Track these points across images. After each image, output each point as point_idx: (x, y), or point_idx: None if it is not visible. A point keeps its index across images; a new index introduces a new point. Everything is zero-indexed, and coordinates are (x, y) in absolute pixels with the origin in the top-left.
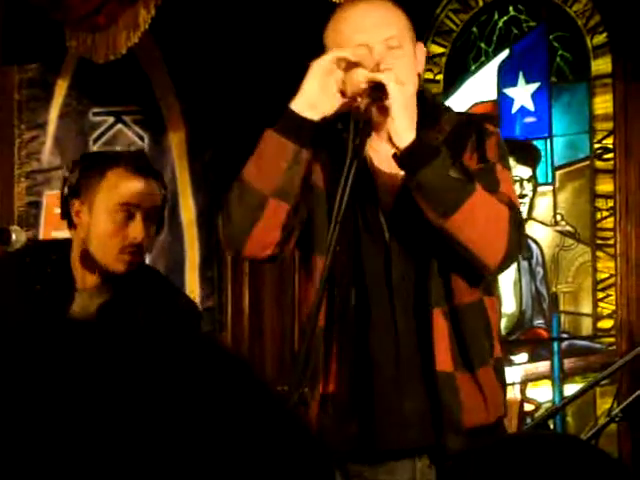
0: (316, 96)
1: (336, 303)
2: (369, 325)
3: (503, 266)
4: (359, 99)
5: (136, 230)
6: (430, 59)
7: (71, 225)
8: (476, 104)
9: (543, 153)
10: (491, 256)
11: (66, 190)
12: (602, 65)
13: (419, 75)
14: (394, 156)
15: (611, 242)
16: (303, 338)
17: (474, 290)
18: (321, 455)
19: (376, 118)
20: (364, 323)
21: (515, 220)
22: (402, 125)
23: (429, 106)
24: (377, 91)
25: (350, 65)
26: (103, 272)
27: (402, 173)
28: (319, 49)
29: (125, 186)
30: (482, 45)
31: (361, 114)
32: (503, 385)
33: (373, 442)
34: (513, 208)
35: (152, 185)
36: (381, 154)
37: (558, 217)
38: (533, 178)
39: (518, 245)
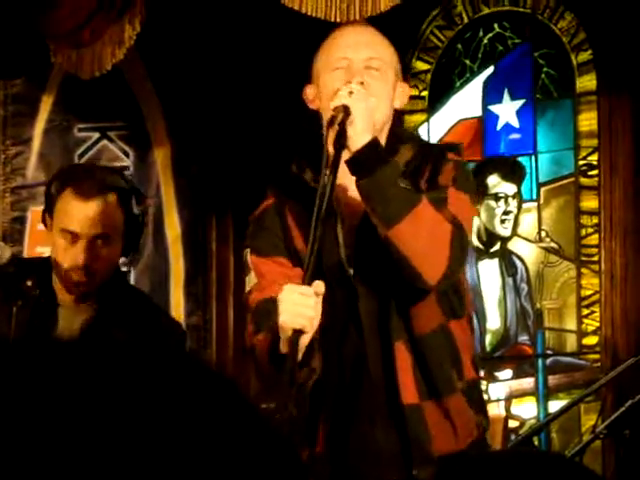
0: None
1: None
2: (343, 364)
3: (442, 283)
4: (333, 112)
5: (77, 256)
6: (415, 75)
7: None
8: (461, 120)
9: (528, 170)
10: (430, 271)
11: (45, 205)
12: (587, 82)
13: (397, 111)
14: (346, 161)
15: (595, 259)
16: (287, 355)
17: (434, 317)
18: (302, 475)
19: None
20: (340, 362)
21: (458, 238)
22: (358, 130)
23: (390, 135)
24: (342, 114)
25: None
26: (68, 290)
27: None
28: (305, 67)
29: (67, 211)
30: (467, 62)
31: (329, 149)
32: (478, 405)
33: (348, 478)
34: (457, 227)
35: (101, 208)
36: (346, 190)
37: (543, 233)
38: (518, 195)
39: (459, 263)
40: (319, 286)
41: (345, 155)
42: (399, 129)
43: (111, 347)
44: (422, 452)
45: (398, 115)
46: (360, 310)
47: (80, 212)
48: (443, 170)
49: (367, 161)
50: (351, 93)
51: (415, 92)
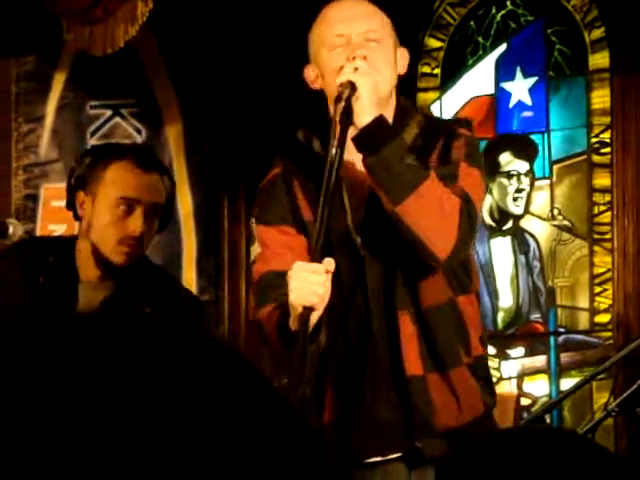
0: None
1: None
2: (348, 334)
3: (452, 257)
4: (339, 89)
5: (135, 224)
6: (428, 53)
7: (76, 217)
8: (473, 98)
9: (540, 147)
10: (440, 246)
11: (72, 181)
12: (600, 59)
13: (400, 78)
14: (353, 139)
15: (608, 236)
16: (297, 333)
17: (442, 291)
18: (319, 451)
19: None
20: (345, 332)
21: (467, 213)
22: (364, 106)
23: (398, 107)
24: (349, 89)
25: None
26: (105, 264)
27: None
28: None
29: (126, 180)
30: (480, 39)
31: (337, 119)
32: (485, 382)
33: (351, 452)
34: (467, 201)
35: (154, 180)
36: (353, 165)
37: (555, 211)
38: (530, 172)
39: (468, 238)
40: (329, 264)
41: (352, 131)
42: (407, 102)
43: (132, 321)
44: (425, 424)
45: (410, 91)
46: (367, 279)
47: (141, 180)
48: (455, 145)
49: (373, 138)
50: (356, 69)
51: (427, 70)
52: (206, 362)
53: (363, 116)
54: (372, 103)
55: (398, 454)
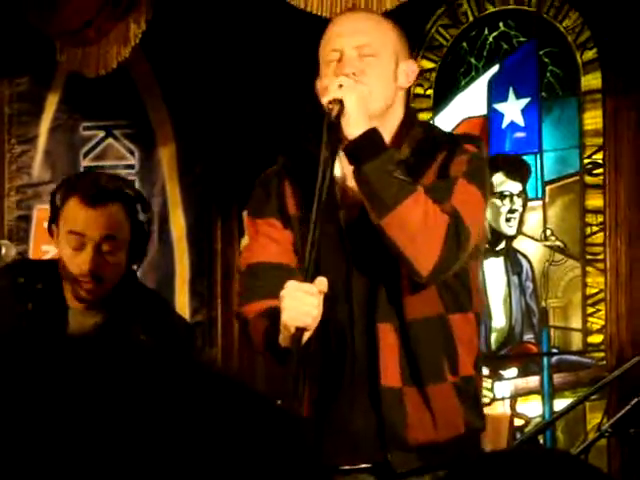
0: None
1: None
2: (330, 341)
3: (435, 275)
4: (329, 106)
5: (83, 260)
6: (421, 74)
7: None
8: (466, 119)
9: (533, 168)
10: (423, 263)
11: (50, 214)
12: (592, 80)
13: (405, 90)
14: (344, 149)
15: (601, 257)
16: (291, 351)
17: (432, 305)
18: (319, 465)
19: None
20: (327, 339)
21: (455, 231)
22: (352, 120)
23: (406, 116)
24: (338, 106)
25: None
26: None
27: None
28: (308, 66)
29: (74, 215)
30: (472, 60)
31: (331, 121)
32: (473, 404)
33: (325, 458)
34: (456, 219)
35: (106, 214)
36: (346, 172)
37: (548, 232)
38: (523, 193)
39: (454, 256)
40: (322, 284)
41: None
42: (411, 114)
43: (122, 345)
44: (397, 437)
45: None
46: (352, 289)
47: (86, 217)
48: (456, 160)
49: (361, 150)
50: (341, 86)
51: (420, 91)
52: (197, 389)
53: (352, 129)
54: (360, 116)
55: (369, 464)
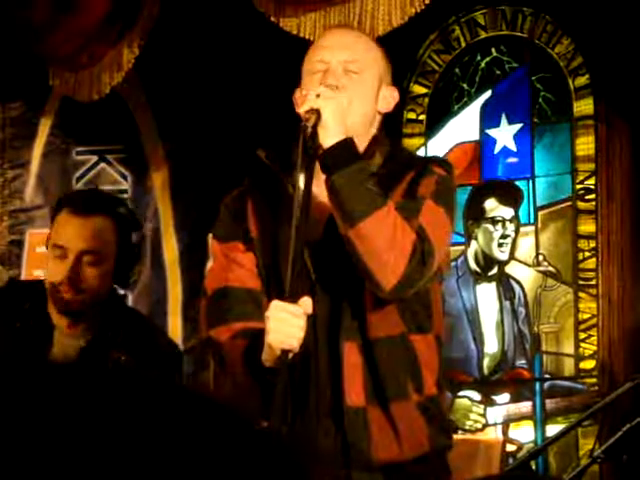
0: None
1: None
2: (296, 360)
3: (397, 290)
4: (306, 116)
5: (62, 268)
6: (413, 99)
7: None
8: (458, 144)
9: (525, 193)
10: (387, 277)
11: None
12: (584, 106)
13: (382, 115)
14: (317, 157)
15: (593, 282)
16: (278, 376)
17: (394, 324)
18: None
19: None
20: (293, 359)
21: (421, 249)
22: (328, 129)
23: (372, 139)
24: (315, 116)
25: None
26: (59, 310)
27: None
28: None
29: (59, 228)
30: (465, 86)
31: (307, 131)
32: (437, 422)
33: None
34: (422, 238)
35: (90, 225)
36: (322, 187)
37: (540, 257)
38: (515, 218)
39: (418, 275)
40: (307, 306)
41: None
42: (381, 134)
43: (104, 372)
44: (361, 456)
45: (395, 137)
46: (316, 307)
47: (71, 228)
48: (424, 182)
49: (335, 159)
50: (318, 95)
51: (413, 116)
52: (180, 414)
53: (327, 138)
54: (337, 127)
55: None
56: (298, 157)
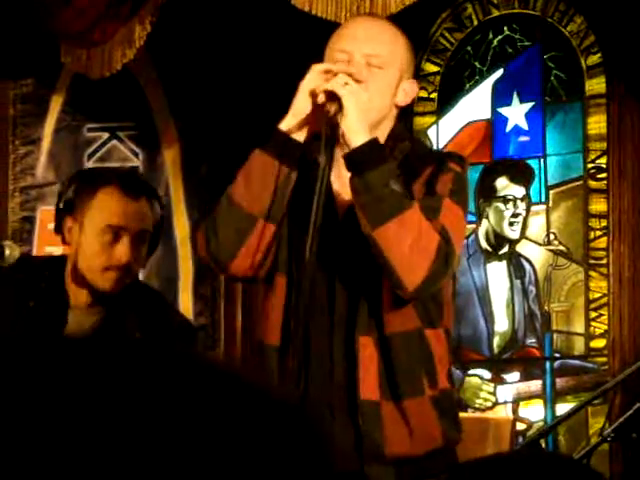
0: (305, 116)
1: (293, 325)
2: (310, 352)
3: (420, 291)
4: (327, 106)
5: (121, 252)
6: (424, 77)
7: (64, 241)
8: (470, 123)
9: (537, 172)
10: (410, 278)
11: (60, 205)
12: (596, 85)
13: (399, 108)
14: (343, 157)
15: (604, 262)
16: (293, 355)
17: (410, 320)
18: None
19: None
20: (307, 349)
21: (445, 252)
22: (353, 126)
23: (391, 133)
24: (333, 101)
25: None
26: (92, 290)
27: (348, 201)
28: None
29: (113, 207)
30: (476, 64)
31: (328, 128)
32: (451, 417)
33: None
34: (445, 240)
35: (142, 206)
36: (342, 181)
37: (551, 236)
38: (527, 197)
39: (440, 276)
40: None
41: (340, 150)
42: (400, 127)
43: (121, 346)
44: (374, 450)
45: (407, 116)
46: (335, 302)
47: (128, 208)
48: (442, 178)
49: (361, 160)
50: (346, 84)
51: (424, 94)
52: (193, 387)
53: (354, 136)
54: (361, 123)
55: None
56: (321, 146)
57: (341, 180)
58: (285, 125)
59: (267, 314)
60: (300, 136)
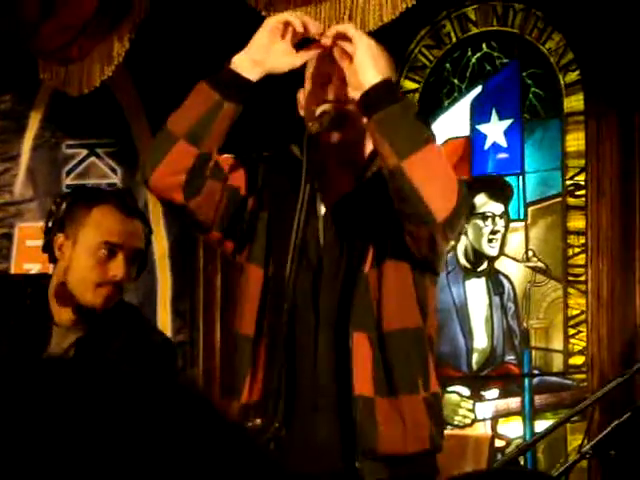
0: (262, 53)
1: (268, 316)
2: (294, 346)
3: (447, 224)
4: (310, 124)
5: (116, 268)
6: (403, 95)
7: (52, 259)
8: (449, 140)
9: (515, 189)
10: (440, 205)
11: (50, 223)
12: (574, 102)
13: None
14: (361, 97)
15: (582, 279)
16: (276, 370)
17: (412, 316)
18: None
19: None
20: (291, 343)
21: (464, 190)
22: (366, 66)
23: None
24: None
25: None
26: (79, 307)
27: (343, 189)
28: (293, 82)
29: (110, 224)
30: (455, 81)
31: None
32: (438, 421)
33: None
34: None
35: (136, 225)
36: (327, 178)
37: (530, 253)
38: (505, 214)
39: (463, 213)
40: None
41: (334, 136)
42: None
43: (98, 367)
44: (367, 446)
45: None
46: (320, 296)
47: (125, 226)
48: None
49: (382, 96)
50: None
51: None
52: (171, 409)
53: (368, 76)
54: (374, 62)
55: (332, 473)
56: (303, 159)
57: (325, 178)
58: (237, 60)
59: (242, 305)
60: (252, 74)
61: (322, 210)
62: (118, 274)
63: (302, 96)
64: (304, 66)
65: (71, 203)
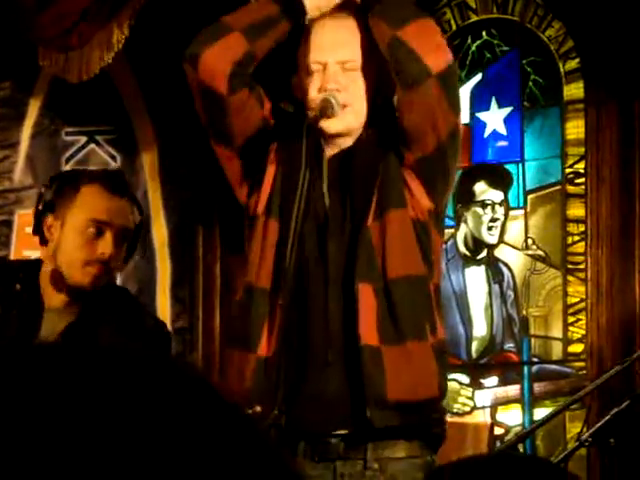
0: None
1: (282, 270)
2: (306, 298)
3: (444, 77)
4: (309, 112)
5: (104, 246)
6: None
7: (42, 241)
8: None
9: (515, 177)
10: (436, 59)
11: (40, 206)
12: (574, 90)
13: None
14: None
15: (582, 266)
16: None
17: (418, 264)
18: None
19: None
20: (302, 295)
21: (454, 65)
22: None
23: None
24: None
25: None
26: (70, 290)
27: (347, 144)
28: (290, 71)
29: (97, 202)
30: None
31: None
32: (444, 369)
33: (298, 422)
34: None
35: (125, 205)
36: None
37: (529, 241)
38: (505, 202)
39: (456, 75)
40: None
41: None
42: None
43: (91, 350)
44: (376, 394)
45: None
46: (328, 249)
47: (112, 204)
48: None
49: None
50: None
51: None
52: (165, 390)
53: None
54: None
55: (344, 431)
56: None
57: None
58: None
59: (258, 258)
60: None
61: (326, 171)
62: (106, 252)
63: (298, 81)
64: (296, 53)
65: (60, 185)
